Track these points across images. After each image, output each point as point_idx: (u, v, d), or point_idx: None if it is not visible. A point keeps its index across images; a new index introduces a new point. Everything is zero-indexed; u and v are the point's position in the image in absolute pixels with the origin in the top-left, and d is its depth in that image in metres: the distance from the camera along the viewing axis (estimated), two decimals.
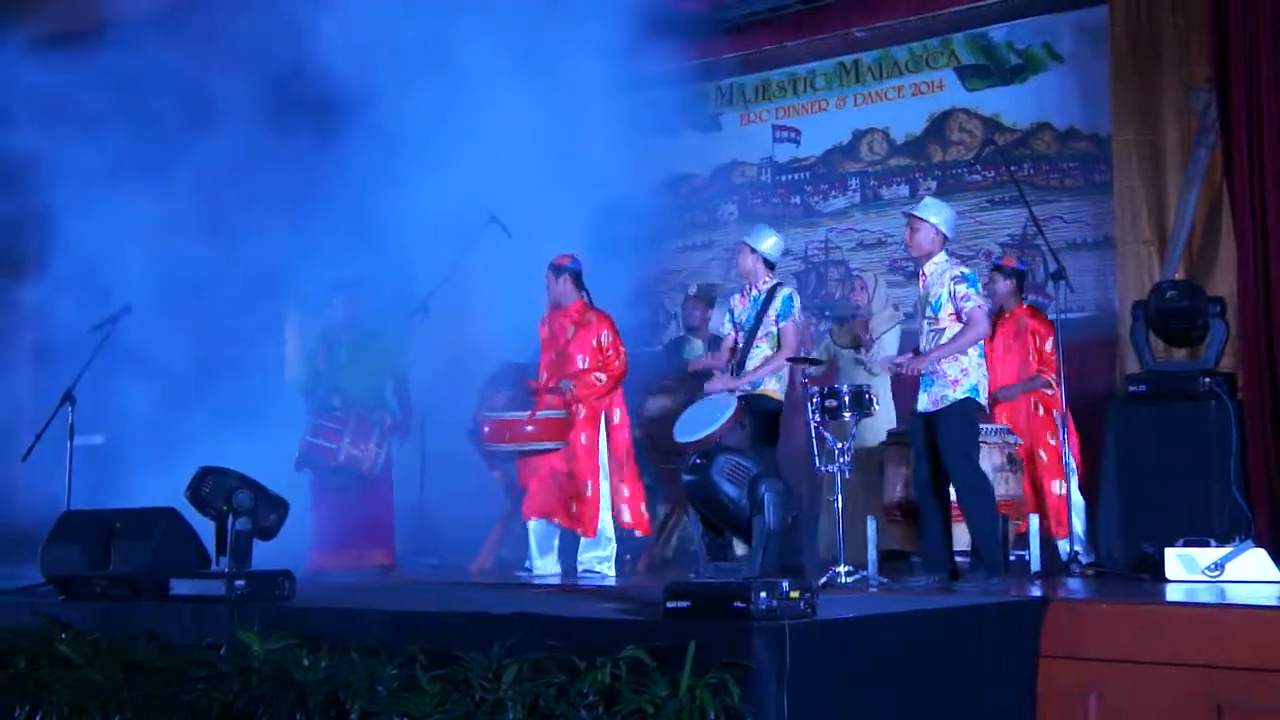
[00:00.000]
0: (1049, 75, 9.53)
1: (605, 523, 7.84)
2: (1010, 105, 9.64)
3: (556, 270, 8.00)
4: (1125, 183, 8.57)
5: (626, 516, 7.90)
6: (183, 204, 8.61)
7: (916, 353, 6.80)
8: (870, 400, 7.00)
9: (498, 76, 8.34)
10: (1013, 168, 8.62)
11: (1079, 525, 7.36)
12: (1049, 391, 7.64)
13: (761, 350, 7.49)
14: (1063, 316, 7.43)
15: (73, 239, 8.64)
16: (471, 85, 8.37)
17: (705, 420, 7.31)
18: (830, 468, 6.95)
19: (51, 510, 6.97)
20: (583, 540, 7.85)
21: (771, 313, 7.49)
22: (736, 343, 7.60)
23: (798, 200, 10.51)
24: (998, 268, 8.04)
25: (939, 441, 6.59)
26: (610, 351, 7.94)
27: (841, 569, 6.72)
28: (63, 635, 5.59)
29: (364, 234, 8.40)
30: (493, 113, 8.33)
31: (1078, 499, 7.47)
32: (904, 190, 10.01)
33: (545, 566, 7.92)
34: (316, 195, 8.51)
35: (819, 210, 10.41)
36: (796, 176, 10.54)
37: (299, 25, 8.25)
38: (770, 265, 7.65)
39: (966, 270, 6.80)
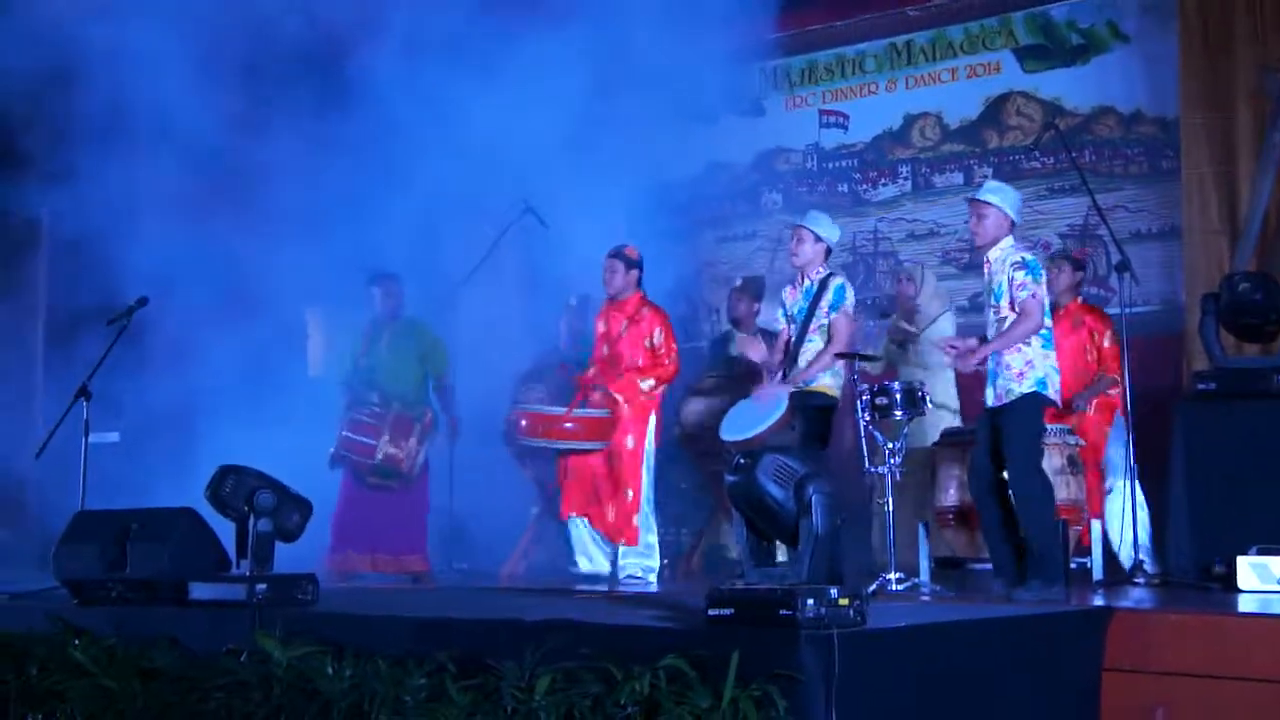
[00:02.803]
0: (1113, 56, 9.20)
1: (647, 529, 7.60)
2: (1071, 88, 9.32)
3: (628, 262, 7.75)
4: (1194, 169, 8.28)
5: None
6: (202, 191, 8.43)
7: (982, 342, 6.49)
8: (923, 398, 6.71)
9: (532, 60, 8.12)
10: (1074, 154, 8.26)
11: (1144, 532, 7.05)
12: (1112, 391, 7.34)
13: (815, 344, 7.10)
14: (1126, 310, 7.10)
15: (89, 227, 8.48)
16: (505, 70, 8.15)
17: (754, 419, 6.96)
18: (880, 469, 6.66)
19: (66, 510, 6.79)
20: (623, 546, 7.60)
21: (824, 304, 7.12)
22: (790, 336, 7.28)
23: (845, 189, 10.23)
24: (1065, 257, 7.72)
25: (1002, 438, 6.28)
26: (662, 350, 7.71)
27: (892, 576, 6.46)
28: (77, 641, 5.41)
29: (392, 225, 8.18)
30: (526, 99, 8.08)
31: (1141, 504, 7.15)
32: (958, 178, 9.72)
33: (594, 564, 7.67)
34: (343, 185, 8.29)
35: (868, 199, 10.14)
36: (844, 164, 10.26)
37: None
38: (828, 253, 7.32)
39: (1029, 256, 6.43)
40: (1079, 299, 7.66)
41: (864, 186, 10.14)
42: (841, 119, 10.28)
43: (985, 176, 9.37)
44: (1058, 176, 9.23)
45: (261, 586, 5.47)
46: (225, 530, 5.96)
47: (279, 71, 8.47)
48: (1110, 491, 7.29)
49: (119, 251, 8.27)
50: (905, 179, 9.98)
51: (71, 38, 7.95)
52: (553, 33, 8.18)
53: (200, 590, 5.67)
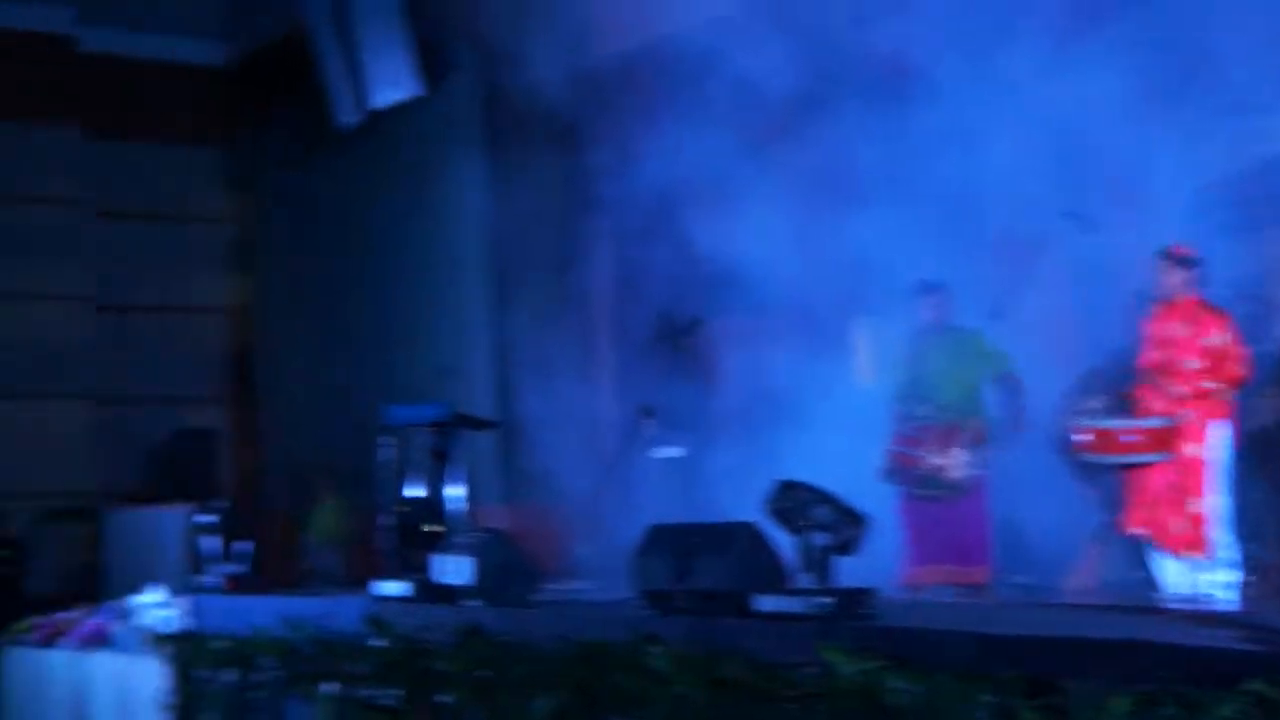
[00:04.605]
0: None
1: (1222, 543, 7.11)
2: None
3: (1178, 261, 7.35)
4: None
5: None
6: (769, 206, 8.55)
7: None
8: None
9: (1083, 54, 7.79)
10: None
11: None
12: None
13: None
14: None
15: (652, 235, 8.76)
16: (1057, 65, 7.87)
17: None
18: None
19: (638, 524, 7.14)
20: (1193, 560, 7.15)
21: None
22: None
23: None
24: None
25: None
26: (1227, 352, 7.17)
27: None
28: (651, 649, 5.65)
29: (943, 234, 8.06)
30: (1080, 91, 7.77)
31: None
32: None
33: (1163, 582, 7.26)
34: (891, 196, 8.25)
35: None
36: None
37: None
38: None
39: None
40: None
41: None
42: None
43: None
44: None
45: (824, 600, 5.55)
46: (783, 543, 6.08)
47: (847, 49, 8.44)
48: None
49: (680, 262, 8.53)
50: None
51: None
52: (1106, 26, 7.86)
53: (763, 602, 5.81)
